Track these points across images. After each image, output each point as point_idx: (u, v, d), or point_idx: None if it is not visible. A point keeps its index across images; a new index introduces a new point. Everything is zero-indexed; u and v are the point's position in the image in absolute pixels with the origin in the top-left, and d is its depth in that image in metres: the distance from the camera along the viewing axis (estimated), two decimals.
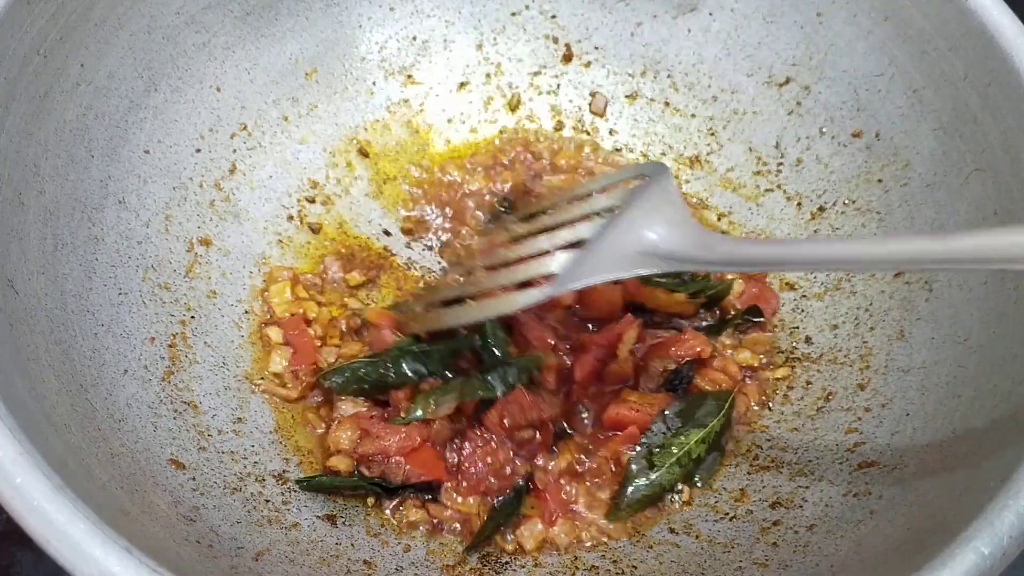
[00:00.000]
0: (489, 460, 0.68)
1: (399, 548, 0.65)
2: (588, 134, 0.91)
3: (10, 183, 0.59)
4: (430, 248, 0.84)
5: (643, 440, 0.69)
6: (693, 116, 0.88)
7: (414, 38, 0.89)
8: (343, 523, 0.66)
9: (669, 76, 0.89)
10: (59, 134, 0.65)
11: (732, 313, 0.79)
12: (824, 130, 0.82)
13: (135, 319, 0.67)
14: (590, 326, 0.76)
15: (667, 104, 0.89)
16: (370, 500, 0.68)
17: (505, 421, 0.68)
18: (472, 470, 0.68)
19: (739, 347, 0.77)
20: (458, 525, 0.67)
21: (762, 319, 0.78)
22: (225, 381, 0.70)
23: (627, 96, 0.90)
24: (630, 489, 0.68)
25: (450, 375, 0.71)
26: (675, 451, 0.68)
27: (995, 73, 0.67)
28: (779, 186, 0.84)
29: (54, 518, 0.43)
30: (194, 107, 0.77)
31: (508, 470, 0.68)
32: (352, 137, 0.86)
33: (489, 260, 0.75)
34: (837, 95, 0.80)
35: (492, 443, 0.68)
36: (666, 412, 0.70)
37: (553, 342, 0.73)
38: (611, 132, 0.90)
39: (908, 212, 0.74)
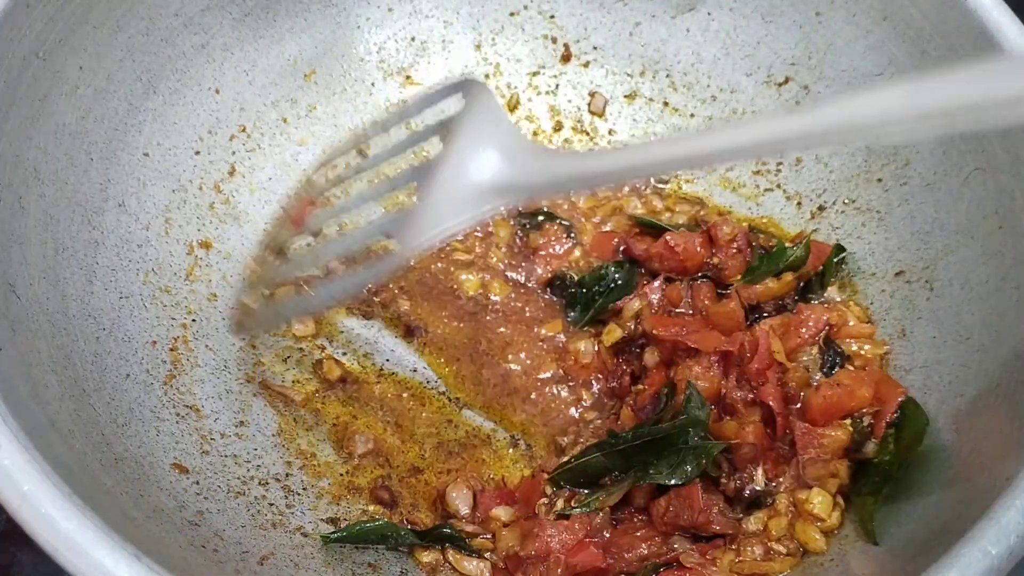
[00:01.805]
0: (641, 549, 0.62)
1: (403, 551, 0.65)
2: (587, 134, 0.90)
3: (10, 187, 0.59)
4: None
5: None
6: (692, 116, 0.88)
7: (413, 39, 0.89)
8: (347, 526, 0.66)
9: (668, 76, 0.89)
10: (58, 137, 0.64)
11: (820, 269, 0.75)
12: None
13: (136, 323, 0.67)
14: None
15: (666, 104, 0.89)
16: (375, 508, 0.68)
17: (665, 517, 0.62)
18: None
19: (847, 302, 0.74)
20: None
21: (847, 251, 0.76)
22: (227, 384, 0.70)
23: (626, 96, 0.90)
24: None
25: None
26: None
27: None
28: (779, 185, 0.84)
29: (63, 526, 0.43)
30: (193, 109, 0.77)
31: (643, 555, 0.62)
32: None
33: (314, 227, 0.69)
34: (836, 94, 0.80)
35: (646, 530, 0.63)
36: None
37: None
38: (610, 132, 0.90)
39: (908, 211, 0.74)
